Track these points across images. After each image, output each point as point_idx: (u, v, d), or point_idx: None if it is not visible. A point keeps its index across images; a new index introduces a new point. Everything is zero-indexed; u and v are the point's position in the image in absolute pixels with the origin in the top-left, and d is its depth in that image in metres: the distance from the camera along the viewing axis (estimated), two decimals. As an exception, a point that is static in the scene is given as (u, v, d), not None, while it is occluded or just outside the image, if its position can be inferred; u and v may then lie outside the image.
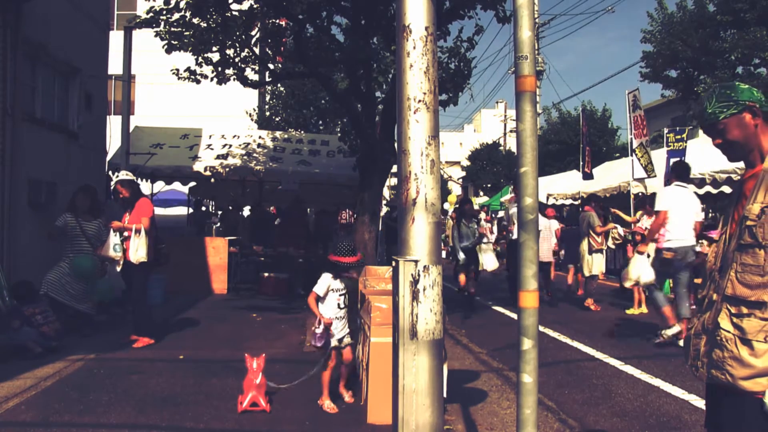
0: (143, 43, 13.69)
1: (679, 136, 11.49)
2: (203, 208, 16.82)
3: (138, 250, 6.53)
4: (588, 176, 15.04)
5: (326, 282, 4.63)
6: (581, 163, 15.08)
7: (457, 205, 12.60)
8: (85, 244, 7.10)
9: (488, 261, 10.36)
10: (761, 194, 2.04)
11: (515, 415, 2.74)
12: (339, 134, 13.67)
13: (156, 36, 8.97)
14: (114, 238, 6.61)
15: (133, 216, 6.69)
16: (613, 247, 11.40)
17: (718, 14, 16.76)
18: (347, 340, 4.76)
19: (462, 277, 9.70)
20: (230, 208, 14.61)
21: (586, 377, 5.62)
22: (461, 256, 9.55)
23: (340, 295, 4.68)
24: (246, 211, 16.13)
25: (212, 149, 12.70)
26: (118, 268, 6.83)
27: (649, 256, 6.97)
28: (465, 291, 9.78)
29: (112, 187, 7.56)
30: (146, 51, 14.67)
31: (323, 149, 13.46)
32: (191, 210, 16.75)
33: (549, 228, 10.32)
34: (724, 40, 16.69)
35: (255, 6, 8.64)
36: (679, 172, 7.19)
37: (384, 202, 13.56)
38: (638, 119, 12.54)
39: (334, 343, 4.62)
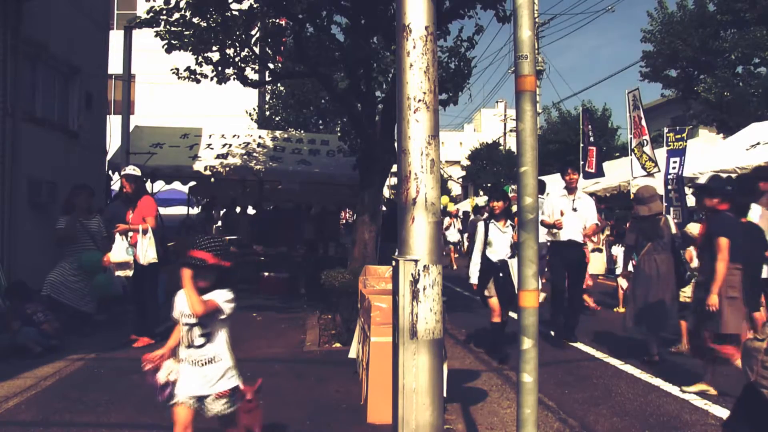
0: (143, 42, 13.67)
1: (678, 136, 11.47)
2: (213, 212, 15.77)
3: (147, 252, 6.46)
4: (590, 175, 15.00)
5: (176, 303, 3.18)
6: (581, 162, 15.05)
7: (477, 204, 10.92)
8: (90, 243, 7.08)
9: None
10: None
11: (515, 415, 2.74)
12: (339, 134, 13.66)
13: (156, 36, 8.97)
14: (122, 242, 6.50)
15: (135, 215, 6.64)
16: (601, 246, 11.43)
17: (718, 14, 16.78)
18: (216, 405, 3.02)
19: (495, 304, 6.35)
20: (237, 210, 14.50)
21: (586, 377, 5.62)
22: (475, 279, 6.40)
23: (187, 324, 3.07)
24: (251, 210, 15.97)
25: (212, 149, 12.69)
26: (130, 273, 6.56)
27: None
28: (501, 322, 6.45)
29: (119, 188, 7.45)
30: (146, 50, 14.63)
31: (323, 149, 13.45)
32: (199, 209, 16.42)
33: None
34: (724, 39, 16.71)
35: (255, 5, 8.63)
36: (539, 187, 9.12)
37: (385, 200, 13.44)
38: (637, 119, 12.55)
39: (181, 397, 3.02)
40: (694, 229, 5.97)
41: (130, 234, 6.51)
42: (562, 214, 6.79)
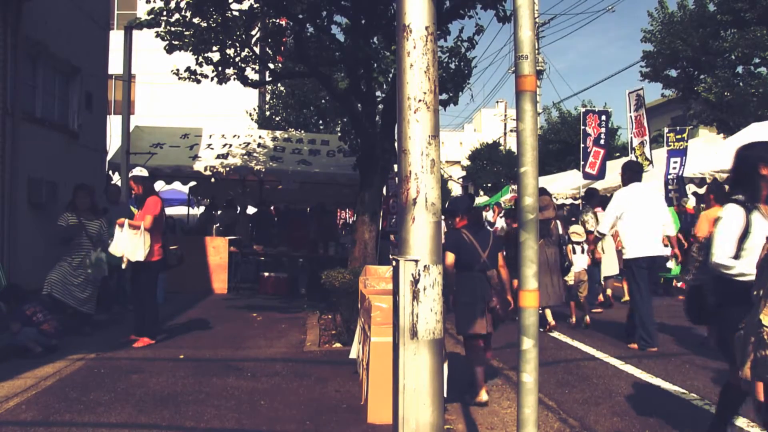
0: (143, 42, 13.68)
1: (679, 136, 11.50)
2: (216, 212, 15.00)
3: (136, 249, 6.46)
4: (590, 176, 14.98)
5: None
6: (581, 162, 15.01)
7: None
8: (87, 244, 7.08)
9: None
10: None
11: (515, 415, 2.75)
12: (339, 134, 13.65)
13: (156, 36, 8.97)
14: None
15: (140, 215, 6.66)
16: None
17: (719, 14, 16.78)
18: None
19: None
20: (238, 209, 14.46)
21: (587, 376, 5.62)
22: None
23: None
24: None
25: (212, 149, 12.69)
26: (123, 266, 6.67)
27: None
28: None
29: (129, 188, 7.47)
30: (146, 50, 14.67)
31: (323, 149, 13.46)
32: (202, 209, 16.32)
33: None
34: (725, 39, 16.71)
35: (255, 6, 8.63)
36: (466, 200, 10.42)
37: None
38: (640, 118, 12.56)
39: None
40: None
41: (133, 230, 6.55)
42: None
